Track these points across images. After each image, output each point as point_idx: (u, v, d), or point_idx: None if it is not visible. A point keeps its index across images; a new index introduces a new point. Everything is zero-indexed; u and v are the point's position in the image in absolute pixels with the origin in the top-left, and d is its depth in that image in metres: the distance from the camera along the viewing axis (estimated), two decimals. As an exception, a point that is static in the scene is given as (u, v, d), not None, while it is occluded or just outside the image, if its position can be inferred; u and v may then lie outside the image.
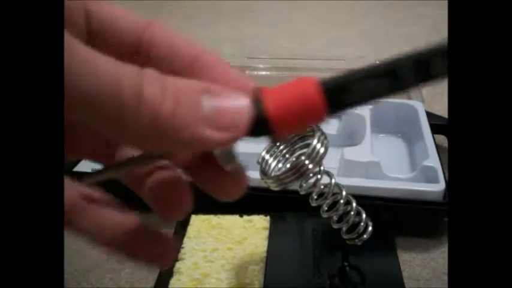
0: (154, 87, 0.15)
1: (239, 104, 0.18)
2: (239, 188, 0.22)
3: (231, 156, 0.22)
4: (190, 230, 0.39)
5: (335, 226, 0.30)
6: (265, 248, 0.36)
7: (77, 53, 0.15)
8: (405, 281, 0.32)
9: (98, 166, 0.22)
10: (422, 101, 0.55)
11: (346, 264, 0.33)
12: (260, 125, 0.19)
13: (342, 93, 0.19)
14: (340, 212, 0.30)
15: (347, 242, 0.30)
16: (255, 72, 0.80)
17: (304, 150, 0.29)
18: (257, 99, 0.20)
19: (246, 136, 0.20)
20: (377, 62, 0.20)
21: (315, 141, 0.26)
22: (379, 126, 0.53)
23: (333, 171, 0.31)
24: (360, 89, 0.20)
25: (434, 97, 0.66)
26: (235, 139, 0.18)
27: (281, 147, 0.30)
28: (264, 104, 0.19)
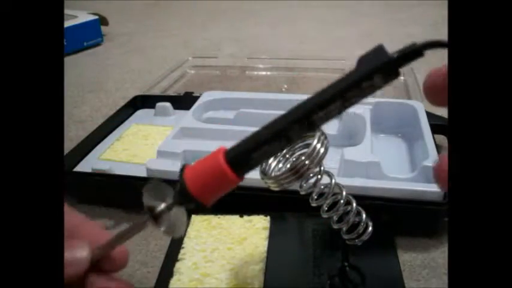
0: None
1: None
2: None
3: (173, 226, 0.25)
4: (190, 230, 0.39)
5: (335, 226, 0.30)
6: (265, 248, 0.36)
7: None
8: (405, 281, 0.32)
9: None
10: (422, 101, 0.55)
11: (346, 264, 0.33)
12: (185, 197, 0.23)
13: (245, 161, 0.23)
14: (340, 212, 0.30)
15: (347, 242, 0.30)
16: (255, 72, 0.80)
17: (304, 150, 0.29)
18: (181, 175, 0.23)
19: (178, 205, 0.24)
20: (268, 124, 0.24)
21: (315, 141, 0.26)
22: (379, 126, 0.53)
23: (333, 171, 0.31)
24: (260, 154, 0.23)
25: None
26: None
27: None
28: (185, 180, 0.23)
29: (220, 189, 0.23)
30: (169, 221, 0.25)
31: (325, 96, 0.22)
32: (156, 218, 0.24)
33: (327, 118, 0.22)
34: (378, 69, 0.21)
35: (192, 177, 0.23)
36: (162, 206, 0.24)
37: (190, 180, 0.23)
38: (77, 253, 0.23)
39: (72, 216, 0.26)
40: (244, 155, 0.23)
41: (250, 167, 0.23)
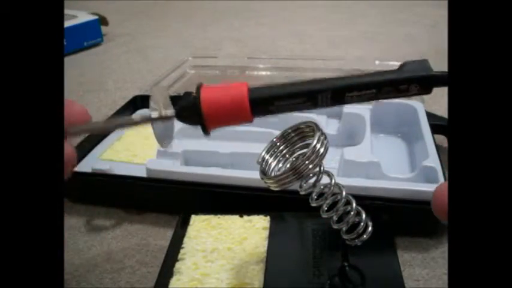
0: None
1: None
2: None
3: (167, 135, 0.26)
4: (190, 230, 0.39)
5: (335, 226, 0.30)
6: (265, 248, 0.36)
7: None
8: (405, 281, 0.32)
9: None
10: (422, 101, 0.55)
11: (346, 264, 0.33)
12: (193, 114, 0.23)
13: (266, 105, 0.24)
14: (340, 212, 0.30)
15: (347, 242, 0.30)
16: (255, 72, 0.80)
17: (304, 150, 0.29)
18: (196, 93, 0.24)
19: (179, 120, 0.24)
20: (300, 81, 0.24)
21: (315, 141, 0.26)
22: (379, 126, 0.53)
23: (333, 171, 0.31)
24: (282, 104, 0.24)
25: (434, 97, 0.66)
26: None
27: (281, 147, 0.30)
28: (199, 98, 0.23)
29: (231, 120, 0.24)
30: (162, 129, 0.25)
31: (364, 80, 0.23)
32: (153, 120, 0.24)
33: (355, 101, 0.23)
34: (419, 79, 0.23)
35: (208, 97, 0.23)
36: (165, 112, 0.24)
37: (205, 99, 0.23)
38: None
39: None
40: (268, 100, 0.23)
41: (268, 113, 0.24)
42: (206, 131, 0.24)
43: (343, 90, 0.23)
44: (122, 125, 0.27)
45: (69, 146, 0.23)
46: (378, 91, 0.23)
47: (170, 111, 0.25)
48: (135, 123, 0.25)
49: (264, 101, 0.23)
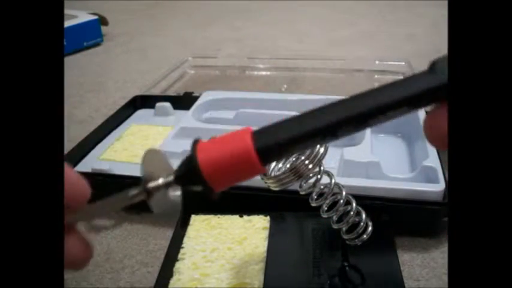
0: None
1: None
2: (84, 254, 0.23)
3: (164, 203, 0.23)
4: (190, 230, 0.39)
5: (335, 226, 0.30)
6: (265, 248, 0.36)
7: None
8: (405, 281, 0.32)
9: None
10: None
11: (346, 264, 0.33)
12: (192, 176, 0.20)
13: (278, 153, 0.20)
14: (340, 212, 0.30)
15: (347, 242, 0.30)
16: (255, 72, 0.80)
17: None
18: (193, 151, 0.20)
19: (179, 185, 0.21)
20: (309, 113, 0.20)
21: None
22: (379, 126, 0.53)
23: (333, 171, 0.31)
24: (296, 148, 0.20)
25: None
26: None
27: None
28: (197, 158, 0.20)
29: (239, 177, 0.20)
30: (163, 200, 0.22)
31: (389, 99, 0.19)
32: (149, 192, 0.21)
33: (384, 121, 0.20)
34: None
35: (207, 156, 0.20)
36: (160, 181, 0.21)
37: (204, 160, 0.20)
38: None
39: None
40: (279, 147, 0.19)
41: (280, 159, 0.21)
42: (213, 195, 0.20)
43: (365, 119, 0.19)
44: (119, 205, 0.24)
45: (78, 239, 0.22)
46: (411, 106, 0.19)
47: (168, 179, 0.21)
48: (131, 198, 0.22)
49: (277, 149, 0.19)
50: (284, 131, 0.19)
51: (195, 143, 0.21)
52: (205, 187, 0.20)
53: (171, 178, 0.21)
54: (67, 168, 0.21)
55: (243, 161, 0.19)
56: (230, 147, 0.20)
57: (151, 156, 0.23)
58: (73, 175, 0.22)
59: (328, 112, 0.19)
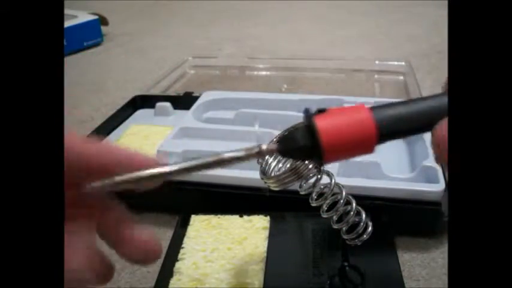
0: None
1: None
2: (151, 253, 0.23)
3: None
4: (190, 230, 0.39)
5: (335, 226, 0.30)
6: (265, 248, 0.36)
7: None
8: (405, 281, 0.32)
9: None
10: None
11: (346, 264, 0.33)
12: (311, 151, 0.20)
13: (392, 136, 0.21)
14: (340, 212, 0.30)
15: (347, 242, 0.30)
16: (255, 72, 0.80)
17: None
18: (310, 125, 0.20)
19: (296, 160, 0.22)
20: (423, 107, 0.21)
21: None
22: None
23: (333, 171, 0.31)
24: (408, 131, 0.21)
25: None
26: None
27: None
28: (317, 132, 0.20)
29: (351, 154, 0.20)
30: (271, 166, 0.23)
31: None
32: (261, 152, 0.21)
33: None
34: None
35: (328, 129, 0.20)
36: (272, 146, 0.21)
37: (325, 133, 0.19)
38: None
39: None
40: (395, 132, 0.20)
41: (393, 137, 0.21)
42: (321, 164, 0.21)
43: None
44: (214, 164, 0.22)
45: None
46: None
47: (271, 145, 0.21)
48: (245, 156, 0.21)
49: (392, 132, 0.20)
50: (401, 119, 0.20)
51: (311, 115, 0.20)
52: (317, 157, 0.20)
53: (274, 146, 0.22)
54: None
55: (363, 141, 0.20)
56: (351, 124, 0.20)
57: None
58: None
59: (431, 100, 0.20)
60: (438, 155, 0.21)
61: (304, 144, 0.20)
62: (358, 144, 0.20)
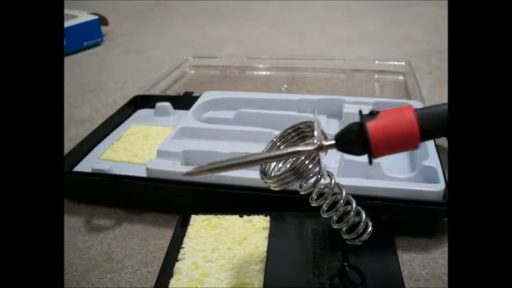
0: None
1: None
2: None
3: None
4: (190, 230, 0.39)
5: (335, 226, 0.30)
6: (265, 248, 0.36)
7: None
8: (405, 281, 0.32)
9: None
10: (422, 101, 0.55)
11: (346, 264, 0.33)
12: (358, 144, 0.23)
13: (435, 132, 0.23)
14: (340, 212, 0.30)
15: (347, 242, 0.30)
16: (255, 72, 0.80)
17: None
18: (362, 123, 0.23)
19: (348, 153, 0.25)
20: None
21: (315, 141, 0.26)
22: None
23: (333, 171, 0.31)
24: (439, 133, 0.23)
25: (434, 97, 0.66)
26: None
27: (281, 147, 0.30)
28: (366, 129, 0.23)
29: (398, 149, 0.24)
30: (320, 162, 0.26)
31: None
32: (321, 148, 0.25)
33: None
34: None
35: (376, 128, 0.23)
36: (330, 142, 0.25)
37: (373, 131, 0.23)
38: None
39: None
40: (435, 132, 0.23)
41: (436, 137, 0.24)
42: (371, 160, 0.24)
43: None
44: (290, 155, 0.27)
45: None
46: None
47: (329, 142, 0.25)
48: (307, 151, 0.25)
49: (434, 127, 0.22)
50: (441, 119, 0.22)
51: (363, 115, 0.24)
52: (368, 151, 0.23)
53: (332, 141, 0.25)
54: None
55: (407, 139, 0.23)
56: (397, 126, 0.23)
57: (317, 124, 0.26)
58: None
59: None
60: None
61: (357, 142, 0.24)
62: (404, 141, 0.23)
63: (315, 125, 0.27)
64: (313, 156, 0.26)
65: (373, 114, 0.24)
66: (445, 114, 0.22)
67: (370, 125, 0.23)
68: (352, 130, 0.24)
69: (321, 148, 0.25)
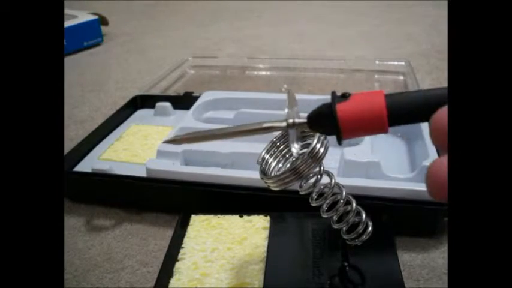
0: None
1: None
2: None
3: None
4: (190, 230, 0.39)
5: (335, 226, 0.30)
6: (265, 248, 0.36)
7: None
8: (405, 281, 0.32)
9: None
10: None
11: (346, 264, 0.33)
12: (328, 123, 0.23)
13: (401, 120, 0.23)
14: (340, 212, 0.30)
15: (347, 242, 0.30)
16: (255, 72, 0.80)
17: (304, 150, 0.29)
18: (332, 105, 0.23)
19: (311, 127, 0.25)
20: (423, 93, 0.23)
21: (314, 141, 0.26)
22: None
23: (333, 171, 0.31)
24: (419, 116, 0.23)
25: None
26: None
27: (281, 147, 0.30)
28: (336, 111, 0.23)
29: (364, 133, 0.24)
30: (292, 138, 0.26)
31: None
32: (290, 125, 0.25)
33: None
34: None
35: (345, 111, 0.23)
36: (299, 120, 0.25)
37: (342, 113, 0.23)
38: None
39: None
40: (404, 118, 0.23)
41: (402, 122, 0.23)
42: (340, 140, 0.24)
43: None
44: (255, 132, 0.27)
45: None
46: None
47: (300, 120, 0.25)
48: (272, 127, 0.26)
49: (403, 112, 0.23)
50: (410, 104, 0.23)
51: (333, 92, 0.24)
52: (336, 133, 0.23)
53: (304, 119, 0.25)
54: None
55: (375, 122, 0.23)
56: (366, 108, 0.23)
57: (291, 97, 0.27)
58: None
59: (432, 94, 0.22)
60: (436, 194, 0.21)
61: (326, 123, 0.24)
62: (372, 124, 0.23)
63: (286, 102, 0.27)
64: (314, 156, 0.26)
65: (344, 96, 0.24)
66: (417, 101, 0.22)
67: (340, 107, 0.23)
68: (322, 111, 0.24)
69: (293, 125, 0.26)
